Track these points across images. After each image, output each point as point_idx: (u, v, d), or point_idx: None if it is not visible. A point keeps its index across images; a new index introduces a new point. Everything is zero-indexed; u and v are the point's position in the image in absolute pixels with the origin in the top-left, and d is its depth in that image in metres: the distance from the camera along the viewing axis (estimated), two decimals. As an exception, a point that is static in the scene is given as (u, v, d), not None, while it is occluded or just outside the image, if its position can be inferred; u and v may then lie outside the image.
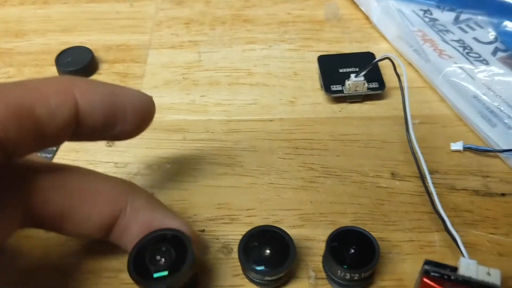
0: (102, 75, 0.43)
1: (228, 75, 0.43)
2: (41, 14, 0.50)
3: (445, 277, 0.26)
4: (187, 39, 0.46)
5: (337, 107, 0.40)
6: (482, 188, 0.35)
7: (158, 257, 0.26)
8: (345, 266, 0.27)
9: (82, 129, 0.24)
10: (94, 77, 0.43)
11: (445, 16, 0.46)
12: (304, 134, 0.38)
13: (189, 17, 0.49)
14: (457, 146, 0.36)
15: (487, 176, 0.35)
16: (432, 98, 0.41)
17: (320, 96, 0.41)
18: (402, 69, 0.34)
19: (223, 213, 0.34)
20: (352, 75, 0.39)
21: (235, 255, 0.31)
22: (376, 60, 0.37)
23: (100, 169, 0.36)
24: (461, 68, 0.40)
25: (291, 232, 0.29)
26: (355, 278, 0.27)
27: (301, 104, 0.41)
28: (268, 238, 0.29)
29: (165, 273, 0.26)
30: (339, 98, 0.40)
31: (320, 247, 0.31)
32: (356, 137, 0.38)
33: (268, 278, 0.28)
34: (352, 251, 0.28)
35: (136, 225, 0.27)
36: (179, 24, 0.48)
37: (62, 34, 0.47)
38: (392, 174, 0.35)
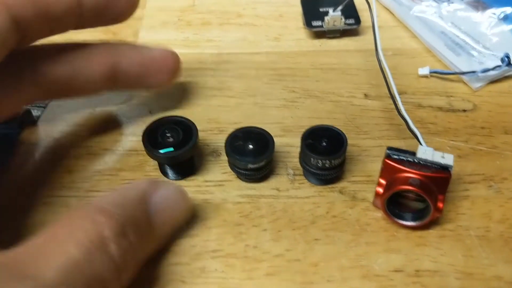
0: (104, 18, 0.47)
1: (219, 17, 0.47)
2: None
3: (404, 159, 0.30)
4: (182, -13, 0.50)
5: (317, 42, 0.44)
6: (446, 105, 0.39)
7: (168, 135, 0.32)
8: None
9: (85, 13, 0.29)
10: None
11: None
12: (287, 64, 0.42)
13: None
14: (424, 70, 0.41)
15: (451, 96, 0.39)
16: (403, 34, 0.45)
17: (302, 33, 0.45)
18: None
19: (212, 126, 0.38)
20: (330, 10, 0.43)
21: (223, 157, 0.35)
22: None
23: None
24: (429, 6, 0.44)
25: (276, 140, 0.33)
26: (327, 165, 0.31)
27: (285, 40, 0.45)
28: (251, 137, 0.33)
29: (171, 149, 0.32)
30: (320, 34, 0.44)
31: (297, 152, 0.35)
32: (334, 66, 0.42)
33: (251, 166, 0.32)
34: (324, 144, 0.32)
35: (131, 66, 0.33)
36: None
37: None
38: (365, 95, 0.40)
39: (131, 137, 0.37)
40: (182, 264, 0.30)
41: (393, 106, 0.37)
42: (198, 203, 0.33)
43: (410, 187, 0.29)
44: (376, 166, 0.34)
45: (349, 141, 0.33)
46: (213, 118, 0.38)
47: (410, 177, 0.29)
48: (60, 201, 0.33)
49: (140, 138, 0.33)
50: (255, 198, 0.33)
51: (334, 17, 0.42)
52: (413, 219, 0.31)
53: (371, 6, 0.38)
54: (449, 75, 0.41)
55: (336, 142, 0.32)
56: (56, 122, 0.38)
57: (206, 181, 0.34)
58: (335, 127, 0.33)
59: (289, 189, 0.34)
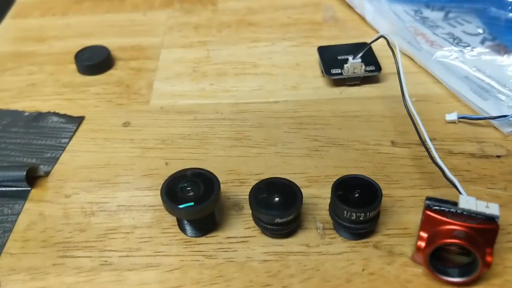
0: (118, 70, 0.46)
1: (234, 67, 0.46)
2: (61, 23, 0.54)
3: (446, 210, 0.28)
4: (196, 40, 0.50)
5: (337, 90, 0.43)
6: (478, 151, 0.37)
7: (188, 189, 0.30)
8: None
9: None
10: (111, 71, 0.46)
11: (435, 15, 0.50)
12: (307, 112, 0.41)
13: (197, 22, 0.52)
14: (452, 116, 0.39)
15: (482, 142, 0.37)
16: (426, 80, 0.43)
17: (321, 81, 0.44)
18: (396, 44, 0.37)
19: (233, 177, 0.36)
20: (350, 58, 0.41)
21: (246, 211, 0.33)
22: (372, 40, 0.40)
23: (118, 144, 0.38)
24: (451, 51, 0.43)
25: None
26: (361, 218, 0.29)
27: (303, 88, 0.43)
28: (276, 188, 0.31)
29: (191, 203, 0.29)
30: (339, 82, 0.43)
31: (326, 203, 0.33)
32: (356, 113, 0.40)
33: (279, 220, 0.29)
34: (357, 194, 0.30)
35: None
36: (188, 29, 0.52)
37: (80, 38, 0.50)
38: (392, 142, 0.38)
39: (147, 191, 0.35)
40: (206, 331, 0.27)
41: (423, 153, 0.35)
42: (221, 262, 0.30)
43: (456, 241, 0.27)
44: (411, 218, 0.32)
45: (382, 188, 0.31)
46: (234, 169, 0.36)
47: (455, 229, 0.27)
48: (71, 263, 0.31)
49: (157, 192, 0.31)
50: (283, 256, 0.31)
51: (354, 64, 0.41)
52: (460, 275, 0.28)
53: (395, 52, 0.37)
54: (478, 120, 0.39)
55: (369, 192, 0.30)
56: (67, 177, 0.36)
57: (229, 238, 0.32)
58: (366, 177, 0.31)
59: (319, 244, 0.31)
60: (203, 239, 0.32)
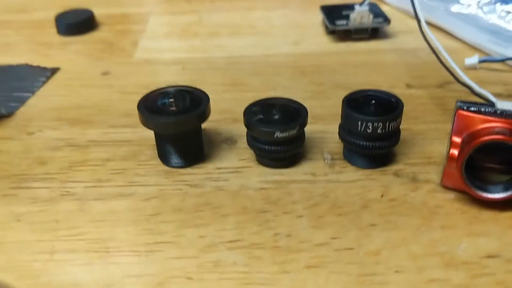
0: (102, 32, 0.42)
1: (228, 29, 0.42)
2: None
3: (483, 109, 0.23)
4: (188, 9, 0.46)
5: (343, 45, 0.39)
6: (504, 92, 0.32)
7: (171, 102, 0.26)
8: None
9: None
10: (95, 34, 0.42)
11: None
12: (310, 62, 0.36)
13: (190, -4, 0.49)
14: (472, 60, 0.35)
15: (508, 85, 0.33)
16: (439, 36, 0.39)
17: (324, 38, 0.40)
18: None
19: (226, 116, 0.31)
20: (357, 6, 0.38)
21: (240, 145, 0.28)
22: None
23: (94, 90, 0.34)
24: (465, 2, 0.39)
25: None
26: (379, 130, 0.24)
27: (306, 44, 0.39)
28: (276, 108, 0.26)
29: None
30: (345, 37, 0.39)
31: (334, 138, 0.28)
32: (365, 61, 0.36)
33: (280, 134, 0.24)
34: (372, 107, 0.25)
35: None
36: (183, 2, 0.48)
37: (64, 8, 0.47)
38: (407, 85, 0.33)
39: (124, 128, 0.30)
40: (188, 258, 0.21)
41: (442, 93, 0.31)
42: (209, 190, 0.25)
43: (499, 137, 0.21)
44: (436, 148, 0.27)
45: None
46: (227, 109, 0.31)
47: (496, 126, 0.22)
48: (26, 193, 0.25)
49: (136, 129, 0.27)
50: (283, 184, 0.25)
51: (361, 12, 0.37)
52: (504, 190, 0.22)
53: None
54: (501, 65, 0.34)
55: (388, 105, 0.25)
56: (33, 117, 0.31)
57: (219, 168, 0.26)
58: (385, 91, 0.26)
59: (328, 173, 0.26)
60: (188, 170, 0.26)
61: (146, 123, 0.25)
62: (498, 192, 0.22)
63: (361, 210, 0.23)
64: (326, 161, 0.27)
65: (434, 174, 0.25)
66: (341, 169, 0.26)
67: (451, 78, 0.33)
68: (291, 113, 0.26)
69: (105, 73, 0.36)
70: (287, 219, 0.23)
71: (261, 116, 0.26)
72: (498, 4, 0.37)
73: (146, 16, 0.45)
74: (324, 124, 0.29)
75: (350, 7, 0.40)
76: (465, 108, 0.23)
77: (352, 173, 0.26)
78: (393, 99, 0.25)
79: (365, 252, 0.21)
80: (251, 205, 0.24)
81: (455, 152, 0.23)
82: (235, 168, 0.26)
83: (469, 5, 0.38)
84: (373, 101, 0.25)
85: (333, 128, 0.28)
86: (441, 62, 0.30)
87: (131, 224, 0.23)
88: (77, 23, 0.41)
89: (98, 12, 0.44)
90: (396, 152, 0.27)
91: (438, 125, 0.29)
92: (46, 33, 0.42)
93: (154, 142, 0.27)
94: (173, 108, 0.25)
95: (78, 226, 0.23)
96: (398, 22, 0.41)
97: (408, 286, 0.20)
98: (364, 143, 0.25)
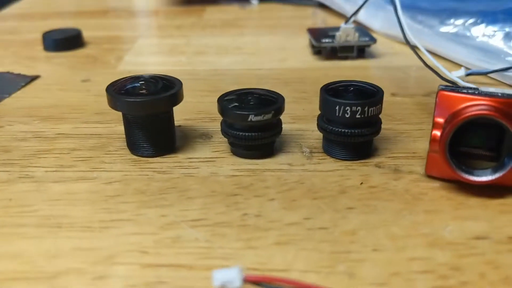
0: (88, 50, 0.42)
1: (216, 49, 0.42)
2: (40, 24, 0.51)
3: (465, 91, 0.22)
4: (177, 34, 0.46)
5: (329, 62, 0.38)
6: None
7: (142, 86, 0.25)
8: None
9: None
10: (81, 51, 0.42)
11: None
12: (295, 75, 0.36)
13: (181, 24, 0.50)
14: (459, 73, 0.34)
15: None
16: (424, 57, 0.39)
17: (311, 57, 0.40)
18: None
19: (203, 115, 0.30)
20: (342, 24, 0.38)
21: (216, 139, 0.27)
22: None
23: (71, 93, 0.33)
24: (452, 24, 0.39)
25: (283, 126, 0.25)
26: (358, 115, 0.23)
27: (291, 61, 0.39)
28: (253, 97, 0.25)
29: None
30: (331, 55, 0.39)
31: (314, 134, 0.27)
32: (350, 75, 0.35)
33: (255, 118, 0.23)
34: (351, 93, 0.24)
35: None
36: (170, 28, 0.49)
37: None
38: (392, 94, 0.32)
39: (96, 124, 0.29)
40: (144, 234, 0.19)
41: (429, 101, 0.30)
42: (176, 176, 0.23)
43: (484, 112, 0.20)
44: (421, 145, 0.26)
45: (382, 126, 0.25)
46: (205, 110, 0.30)
47: (480, 104, 0.21)
48: (-18, 176, 0.23)
49: (108, 125, 0.26)
50: (258, 172, 0.24)
51: (347, 30, 0.37)
52: (492, 173, 0.21)
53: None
54: (488, 77, 0.34)
55: (367, 93, 0.24)
56: (4, 114, 0.30)
57: (190, 158, 0.25)
58: (365, 81, 0.25)
59: (305, 164, 0.24)
60: (156, 159, 0.25)
61: (114, 104, 0.23)
62: (486, 175, 0.21)
63: (339, 195, 0.22)
64: (304, 153, 0.25)
65: (418, 167, 0.24)
66: (320, 161, 0.24)
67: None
68: (268, 101, 0.25)
69: (85, 80, 0.35)
70: (258, 201, 0.21)
71: (236, 104, 0.25)
72: (483, 25, 0.37)
73: (135, 38, 0.45)
74: (304, 123, 0.28)
75: (336, 29, 0.40)
76: (448, 89, 0.22)
77: (330, 164, 0.24)
78: (373, 88, 0.24)
79: (340, 231, 0.19)
80: (221, 189, 0.22)
81: (437, 133, 0.21)
82: (208, 159, 0.25)
83: (456, 26, 0.38)
84: (352, 89, 0.24)
85: (313, 126, 0.27)
86: (427, 66, 0.29)
87: (88, 203, 0.21)
88: (64, 39, 0.41)
89: (88, 34, 0.44)
90: (378, 147, 0.25)
91: (423, 125, 0.28)
92: (32, 50, 0.42)
93: (124, 137, 0.25)
94: (143, 91, 0.24)
95: (31, 204, 0.21)
96: (385, 45, 0.41)
97: (387, 264, 0.18)
98: (343, 130, 0.23)
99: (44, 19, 0.51)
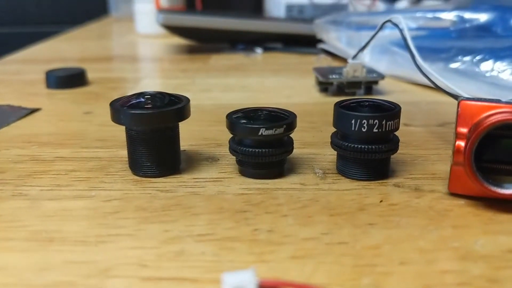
0: (92, 88, 0.41)
1: (221, 88, 0.41)
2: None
3: (488, 100, 0.21)
4: (182, 75, 0.46)
5: (336, 98, 0.37)
6: None
7: (147, 100, 0.23)
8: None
9: None
10: (84, 88, 0.41)
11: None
12: (302, 109, 0.35)
13: (186, 68, 0.49)
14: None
15: None
16: (432, 94, 0.38)
17: (317, 94, 0.39)
18: (403, 23, 0.33)
19: (209, 142, 0.28)
20: (350, 59, 0.37)
21: (222, 162, 0.25)
22: (377, 29, 0.36)
23: (73, 123, 0.32)
24: (461, 60, 0.39)
25: (293, 152, 0.24)
26: (375, 129, 0.21)
27: (298, 97, 0.38)
28: (263, 114, 0.24)
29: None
30: (338, 93, 0.38)
31: (326, 158, 0.25)
32: (360, 109, 0.34)
33: (266, 132, 0.22)
34: (367, 108, 0.23)
35: None
36: (175, 71, 0.48)
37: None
38: (405, 124, 0.31)
39: (97, 149, 0.27)
40: (145, 248, 0.18)
41: (444, 130, 0.29)
42: (181, 194, 0.22)
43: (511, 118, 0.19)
44: (440, 167, 0.24)
45: (399, 150, 0.24)
46: (211, 137, 0.29)
47: (507, 111, 0.20)
48: (-28, 194, 0.22)
49: (110, 150, 0.25)
50: (268, 191, 0.22)
51: (354, 65, 0.37)
52: (524, 185, 0.19)
53: (404, 32, 0.32)
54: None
55: (384, 109, 0.23)
56: (1, 140, 0.29)
57: (196, 178, 0.23)
58: (380, 99, 0.24)
59: (319, 183, 0.23)
60: (160, 179, 0.23)
61: (117, 117, 0.22)
62: (515, 187, 0.19)
63: (357, 212, 0.20)
64: (317, 174, 0.24)
65: (439, 186, 0.22)
66: (334, 181, 0.23)
67: (452, 119, 0.31)
68: (278, 117, 0.23)
69: (87, 113, 0.34)
70: (270, 217, 0.20)
71: (246, 120, 0.23)
72: (491, 61, 0.37)
73: (139, 79, 0.45)
74: (315, 149, 0.27)
75: (343, 67, 0.39)
76: (469, 100, 0.21)
77: (346, 184, 0.23)
78: (389, 104, 0.23)
79: (362, 246, 0.18)
80: (229, 206, 0.21)
81: (461, 143, 0.20)
82: (214, 178, 0.23)
83: (464, 62, 0.38)
84: (367, 104, 0.23)
85: (325, 151, 0.26)
86: (439, 88, 0.28)
87: (84, 219, 0.20)
88: (67, 77, 0.40)
89: (92, 75, 0.44)
90: (395, 169, 0.24)
91: (440, 151, 0.26)
92: (34, 87, 0.41)
93: (127, 159, 0.24)
94: (149, 106, 0.23)
95: (22, 219, 0.20)
96: (392, 84, 0.41)
97: (417, 277, 0.16)
98: (359, 146, 0.22)
99: (48, 63, 0.51)
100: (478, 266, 0.16)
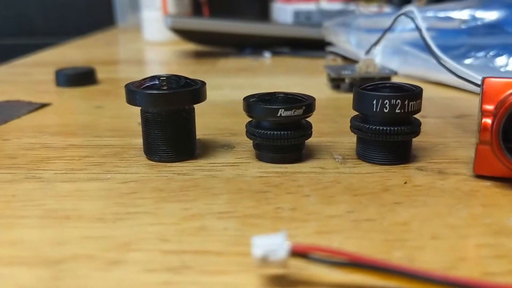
0: (101, 86, 0.41)
1: (231, 86, 0.41)
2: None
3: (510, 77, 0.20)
4: (192, 75, 0.46)
5: (349, 95, 0.37)
6: None
7: (163, 82, 0.23)
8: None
9: None
10: (93, 87, 0.40)
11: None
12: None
13: (195, 70, 0.49)
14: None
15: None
16: (445, 89, 0.38)
17: (329, 91, 0.38)
18: (417, 15, 0.33)
19: (224, 131, 0.28)
20: (362, 55, 0.37)
21: (238, 148, 0.25)
22: (390, 24, 0.36)
23: (83, 116, 0.31)
24: (476, 56, 0.38)
25: (310, 140, 0.24)
26: (398, 109, 0.21)
27: (310, 93, 0.38)
28: (279, 95, 0.24)
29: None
30: (349, 89, 0.38)
31: (344, 145, 0.25)
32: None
33: (283, 112, 0.21)
34: (388, 89, 0.23)
35: None
36: (184, 72, 0.48)
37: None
38: (422, 116, 0.30)
39: (110, 138, 0.27)
40: (164, 224, 0.17)
41: (461, 121, 0.29)
42: (199, 177, 0.21)
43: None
44: (462, 152, 0.24)
45: (418, 138, 0.23)
46: (226, 127, 0.29)
47: (534, 87, 0.19)
48: (-16, 177, 0.21)
49: (123, 139, 0.24)
50: (287, 174, 0.21)
51: (367, 61, 0.36)
52: (554, 162, 0.19)
53: (417, 22, 0.32)
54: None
55: (405, 90, 0.23)
56: (12, 130, 0.28)
57: (212, 163, 0.23)
58: (400, 82, 0.24)
59: (339, 167, 0.22)
60: (175, 164, 0.23)
61: (132, 98, 0.22)
62: (546, 165, 0.19)
63: (381, 192, 0.19)
64: (336, 160, 0.23)
65: (464, 169, 0.22)
66: (355, 165, 0.22)
67: (469, 112, 0.31)
68: (296, 100, 0.23)
69: (97, 107, 0.34)
70: (292, 197, 0.19)
71: (264, 103, 0.23)
72: (505, 56, 0.36)
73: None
74: (332, 137, 0.26)
75: (355, 64, 0.39)
76: (493, 77, 0.20)
77: (367, 167, 0.22)
78: (410, 86, 0.23)
79: (390, 222, 0.17)
80: (248, 187, 0.20)
81: (487, 121, 0.19)
82: (231, 163, 0.23)
83: (477, 58, 0.37)
84: (388, 85, 0.23)
85: (343, 139, 0.26)
86: (460, 77, 0.28)
87: (101, 199, 0.19)
88: (77, 75, 0.40)
89: (101, 76, 0.43)
90: (417, 155, 0.23)
91: (460, 139, 0.26)
92: (44, 86, 0.41)
93: (141, 146, 0.23)
94: (164, 88, 0.23)
95: (37, 199, 0.19)
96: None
97: (451, 251, 0.15)
98: (381, 128, 0.21)
99: (56, 66, 0.51)
100: (513, 240, 0.16)
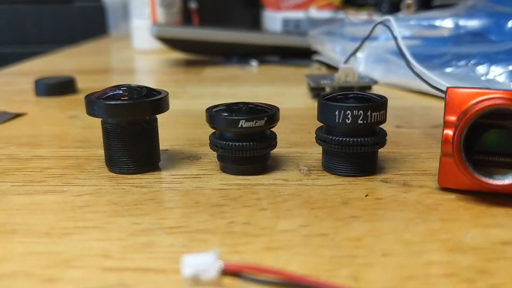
0: (81, 96, 0.40)
1: (212, 95, 0.40)
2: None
3: (476, 87, 0.20)
4: (174, 85, 0.45)
5: (329, 103, 0.37)
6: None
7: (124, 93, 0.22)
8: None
9: None
10: (73, 96, 0.40)
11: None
12: (293, 113, 0.34)
13: (179, 79, 0.49)
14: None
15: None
16: (427, 99, 0.37)
17: (309, 100, 0.38)
18: (394, 25, 0.32)
19: (192, 142, 0.27)
20: (341, 64, 0.36)
21: (204, 160, 0.24)
22: (368, 33, 0.35)
23: (56, 126, 0.31)
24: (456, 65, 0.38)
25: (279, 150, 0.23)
26: (360, 120, 0.21)
27: (289, 103, 0.37)
28: (243, 106, 0.23)
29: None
30: (331, 96, 0.37)
31: (312, 156, 0.24)
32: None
33: (244, 124, 0.21)
34: (351, 99, 0.22)
35: None
36: (168, 81, 0.48)
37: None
38: (396, 126, 0.30)
39: (76, 149, 0.26)
40: (110, 240, 0.16)
41: (437, 131, 0.28)
42: (156, 190, 0.21)
43: (501, 102, 0.18)
44: (431, 164, 0.23)
45: (388, 149, 0.23)
46: (195, 138, 0.28)
47: (496, 97, 0.19)
48: None
49: (90, 150, 0.24)
50: (249, 186, 0.21)
51: (346, 70, 0.36)
52: (515, 175, 0.18)
53: (394, 31, 0.32)
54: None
55: (369, 101, 0.22)
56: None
57: (174, 175, 0.22)
58: (366, 92, 0.23)
59: (302, 179, 0.22)
60: (136, 176, 0.22)
61: (91, 109, 0.21)
62: (508, 178, 0.18)
63: (340, 205, 0.19)
64: (301, 171, 0.23)
65: (429, 182, 0.21)
66: (319, 177, 0.22)
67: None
68: (260, 110, 0.23)
69: (72, 117, 0.33)
70: (247, 211, 0.18)
71: (226, 113, 0.22)
72: (486, 65, 0.36)
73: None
74: (302, 148, 0.26)
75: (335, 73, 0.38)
76: (457, 87, 0.20)
77: (331, 179, 0.21)
78: (375, 96, 0.22)
79: (342, 238, 0.16)
80: (205, 200, 0.19)
81: (449, 132, 0.19)
82: (194, 175, 0.22)
83: (459, 67, 0.37)
84: (352, 95, 0.22)
85: (312, 150, 0.25)
86: (434, 87, 0.27)
87: (52, 213, 0.19)
88: (56, 84, 0.40)
89: (82, 85, 0.43)
90: (384, 166, 0.23)
91: (432, 150, 0.25)
92: (23, 95, 0.41)
93: (104, 158, 0.23)
94: (125, 98, 0.22)
95: (-14, 213, 0.19)
96: (385, 91, 0.40)
97: (400, 268, 0.15)
98: (344, 139, 0.21)
99: (40, 75, 0.50)
100: (467, 257, 0.15)
